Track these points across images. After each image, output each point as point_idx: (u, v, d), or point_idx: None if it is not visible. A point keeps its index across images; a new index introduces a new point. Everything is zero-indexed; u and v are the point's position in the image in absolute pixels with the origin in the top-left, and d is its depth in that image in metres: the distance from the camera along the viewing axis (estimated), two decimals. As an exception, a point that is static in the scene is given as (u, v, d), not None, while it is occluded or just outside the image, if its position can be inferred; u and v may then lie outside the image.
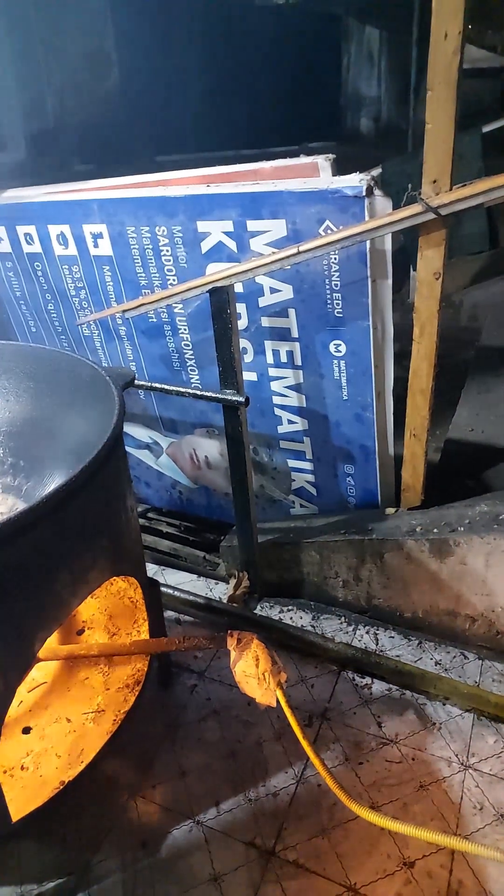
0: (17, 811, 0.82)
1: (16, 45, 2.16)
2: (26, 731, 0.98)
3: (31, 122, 2.26)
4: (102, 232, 1.33)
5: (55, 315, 1.53)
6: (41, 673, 1.06)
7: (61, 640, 1.11)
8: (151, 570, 1.58)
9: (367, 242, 1.09)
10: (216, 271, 1.14)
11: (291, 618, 1.40)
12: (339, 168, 1.11)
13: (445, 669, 1.25)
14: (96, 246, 1.35)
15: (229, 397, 1.21)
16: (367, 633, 1.35)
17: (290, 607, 1.43)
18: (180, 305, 1.34)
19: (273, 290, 1.24)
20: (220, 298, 1.14)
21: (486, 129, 2.28)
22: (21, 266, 1.49)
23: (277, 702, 0.94)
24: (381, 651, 1.30)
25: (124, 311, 1.26)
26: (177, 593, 1.41)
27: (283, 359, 1.32)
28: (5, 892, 0.92)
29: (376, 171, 1.32)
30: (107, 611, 1.16)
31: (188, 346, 1.40)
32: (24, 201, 1.39)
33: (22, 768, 0.91)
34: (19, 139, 2.24)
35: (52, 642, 1.11)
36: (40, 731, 0.98)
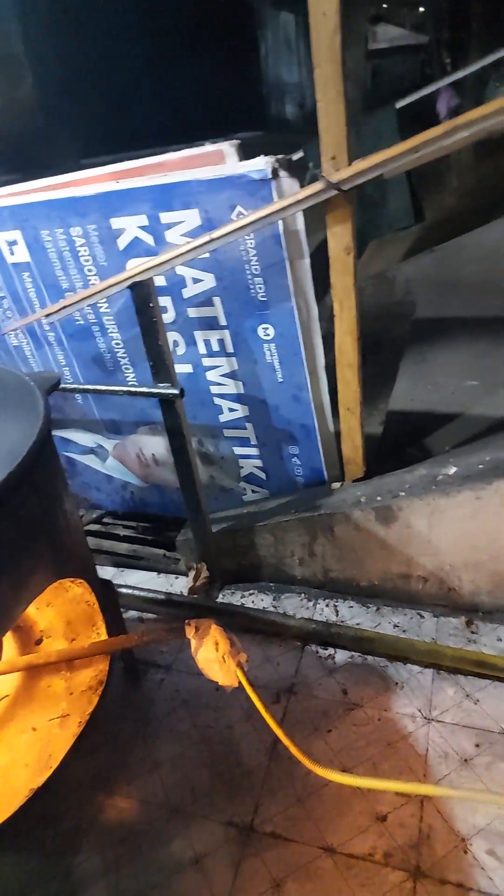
0: (-13, 824, 0.82)
1: None
2: (-8, 745, 0.97)
3: None
4: (17, 238, 1.31)
5: (-19, 328, 1.50)
6: (3, 686, 1.06)
7: (20, 652, 1.10)
8: (111, 572, 1.58)
9: (281, 224, 1.11)
10: (134, 266, 1.14)
11: (253, 601, 1.42)
12: (259, 154, 1.11)
13: (404, 631, 1.30)
14: (12, 253, 1.33)
15: (164, 391, 1.22)
16: (327, 606, 1.38)
17: (250, 591, 1.45)
18: (106, 305, 1.34)
19: (195, 280, 1.25)
20: (142, 293, 1.15)
21: (401, 104, 2.33)
22: None
23: (240, 682, 0.96)
24: (342, 622, 1.33)
25: (47, 315, 1.25)
26: (137, 592, 1.42)
27: (215, 347, 1.33)
28: (-12, 907, 0.92)
29: (293, 156, 1.34)
30: (64, 618, 1.16)
31: (119, 344, 1.40)
32: None
33: (-10, 782, 0.91)
34: None
35: (10, 654, 1.10)
36: (7, 743, 0.97)
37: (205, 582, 1.45)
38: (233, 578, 1.49)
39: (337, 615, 1.36)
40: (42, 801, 0.89)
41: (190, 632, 1.05)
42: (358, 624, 1.32)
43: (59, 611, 1.16)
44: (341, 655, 1.27)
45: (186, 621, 1.05)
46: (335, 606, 1.38)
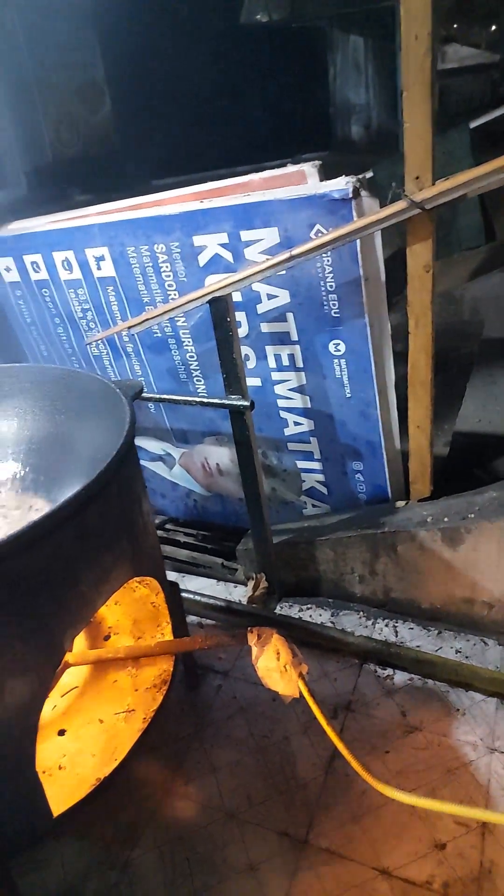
0: (57, 808, 0.85)
1: (10, 85, 2.25)
2: (61, 733, 1.01)
3: (29, 158, 2.35)
4: (104, 254, 1.38)
5: (65, 337, 1.59)
6: (73, 678, 1.10)
7: (90, 645, 1.15)
8: (172, 577, 1.62)
9: (358, 243, 1.13)
10: (214, 282, 1.19)
11: (311, 615, 1.43)
12: (332, 174, 1.15)
13: (466, 657, 1.27)
14: (99, 268, 1.41)
15: (234, 402, 1.25)
16: (387, 625, 1.37)
17: (308, 605, 1.46)
18: (183, 318, 1.39)
19: (270, 297, 1.29)
20: (220, 308, 1.19)
21: (475, 123, 2.33)
22: (30, 293, 1.55)
23: (301, 694, 0.97)
24: (401, 643, 1.32)
25: (129, 327, 1.31)
26: (197, 598, 1.45)
27: (285, 362, 1.36)
28: (52, 888, 0.95)
29: (367, 175, 1.37)
30: (131, 617, 1.20)
31: (193, 357, 1.45)
32: (28, 231, 1.45)
33: (59, 768, 0.94)
34: (19, 175, 2.33)
35: (81, 647, 1.15)
36: (75, 732, 1.01)
37: (263, 592, 1.47)
38: (291, 591, 1.50)
39: (396, 636, 1.34)
40: (106, 791, 0.92)
41: (252, 639, 1.06)
42: (418, 646, 1.30)
43: (127, 609, 1.20)
44: (400, 677, 1.26)
45: (248, 628, 1.07)
46: (395, 627, 1.37)
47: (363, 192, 1.10)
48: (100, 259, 1.40)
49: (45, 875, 0.96)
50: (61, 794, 0.89)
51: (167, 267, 1.34)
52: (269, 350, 1.37)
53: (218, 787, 1.09)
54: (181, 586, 1.54)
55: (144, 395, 1.37)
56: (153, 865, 0.98)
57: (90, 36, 2.38)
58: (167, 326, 1.43)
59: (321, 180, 1.16)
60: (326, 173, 1.17)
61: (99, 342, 1.53)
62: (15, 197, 2.25)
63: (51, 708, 1.03)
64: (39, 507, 1.10)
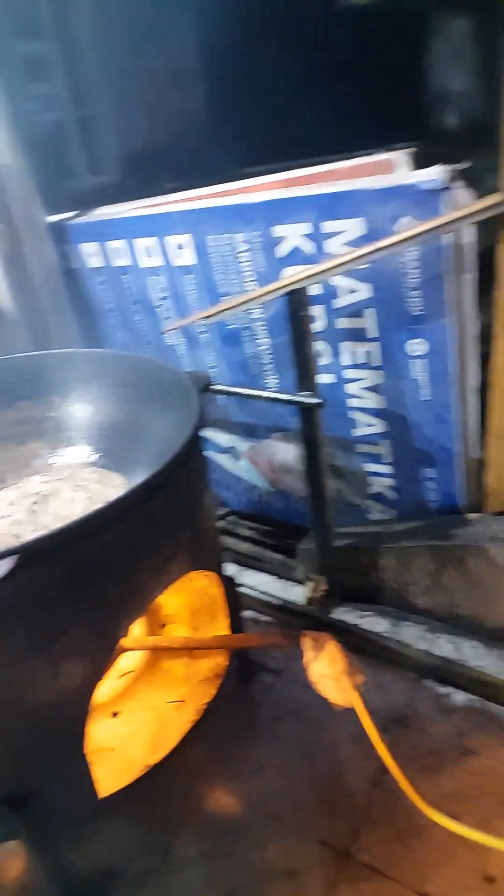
0: (105, 789, 0.87)
1: (111, 73, 2.29)
2: (115, 715, 1.03)
3: (123, 145, 2.39)
4: (185, 242, 1.38)
5: (142, 325, 1.61)
6: (129, 662, 1.12)
7: (147, 632, 1.16)
8: (231, 570, 1.62)
9: (448, 237, 1.07)
10: (292, 274, 1.16)
11: (369, 623, 1.39)
12: (423, 164, 1.10)
13: (533, 682, 1.20)
14: (179, 256, 1.41)
15: (304, 399, 1.22)
16: (449, 642, 1.31)
17: (367, 612, 1.42)
18: (258, 310, 1.37)
19: (350, 291, 1.25)
20: (297, 301, 1.16)
21: None
22: (111, 279, 1.58)
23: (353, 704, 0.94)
24: (463, 661, 1.26)
25: (206, 317, 1.30)
26: (254, 593, 1.44)
27: (360, 359, 1.32)
28: (97, 864, 0.97)
29: (461, 165, 1.30)
30: (188, 607, 1.20)
31: (266, 350, 1.43)
32: (113, 217, 1.48)
33: (111, 750, 0.96)
34: (113, 162, 2.38)
35: (138, 633, 1.16)
36: (128, 716, 1.03)
37: (322, 595, 1.44)
38: (350, 596, 1.46)
39: (458, 653, 1.28)
40: (153, 778, 0.93)
41: (306, 643, 1.04)
42: (481, 667, 1.24)
43: (185, 599, 1.20)
44: (459, 696, 1.20)
45: (303, 631, 1.05)
46: (457, 644, 1.31)
47: (456, 184, 1.04)
48: (180, 247, 1.40)
49: (90, 850, 0.98)
50: (110, 775, 0.91)
51: (246, 257, 1.32)
52: (344, 346, 1.33)
53: (263, 787, 1.08)
54: (240, 580, 1.54)
55: (213, 386, 1.37)
56: (193, 856, 0.98)
57: (187, 22, 2.38)
58: (242, 318, 1.41)
59: (412, 170, 1.11)
60: (417, 163, 1.12)
61: (175, 331, 1.54)
62: (107, 183, 2.30)
63: (106, 690, 1.06)
64: (87, 477, 1.12)
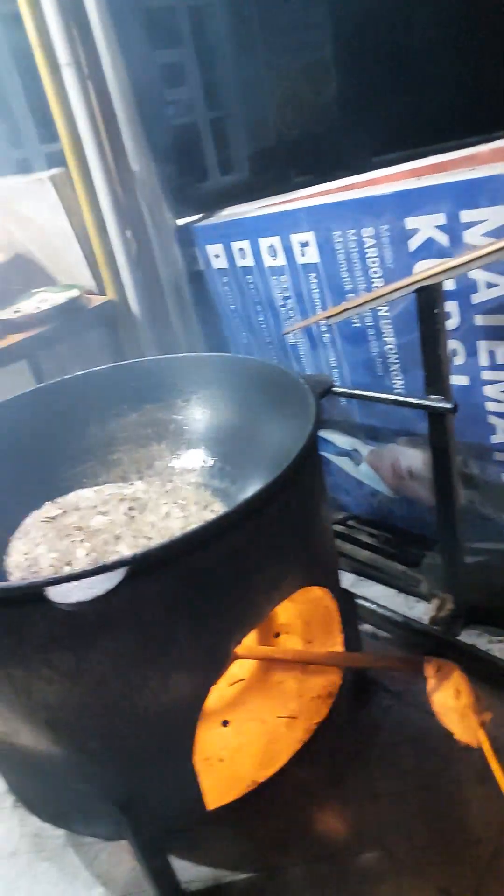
0: (212, 800, 0.86)
1: (244, 71, 2.30)
2: (225, 724, 1.03)
3: (254, 143, 2.39)
4: (309, 240, 1.34)
5: (265, 325, 1.59)
6: (241, 670, 1.11)
7: (259, 641, 1.15)
8: (349, 579, 1.56)
9: None
10: (424, 269, 1.07)
11: (501, 650, 1.26)
12: None
13: None
14: (303, 254, 1.37)
15: (434, 404, 1.13)
16: None
17: (500, 638, 1.29)
18: (385, 308, 1.29)
19: (490, 285, 1.13)
20: (429, 297, 1.07)
21: None
22: (235, 280, 1.58)
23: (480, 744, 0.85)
24: None
25: (328, 317, 1.25)
26: (373, 607, 1.36)
27: (500, 360, 1.20)
28: (203, 873, 0.97)
29: None
30: (303, 617, 1.17)
31: (392, 350, 1.35)
32: (238, 218, 1.47)
33: (220, 760, 0.95)
34: (244, 160, 2.39)
35: (250, 641, 1.15)
36: (238, 726, 1.02)
37: (448, 614, 1.33)
38: (481, 618, 1.34)
39: None
40: (262, 794, 0.91)
41: (430, 670, 0.96)
42: None
43: (300, 609, 1.17)
44: None
45: (426, 658, 0.97)
46: None
47: None
48: (304, 245, 1.36)
49: (196, 858, 0.98)
50: (218, 786, 0.90)
51: (374, 252, 1.25)
52: (482, 345, 1.21)
53: (377, 817, 1.02)
54: (357, 591, 1.48)
55: (335, 389, 1.31)
56: (301, 880, 0.95)
57: (321, 14, 2.33)
58: (367, 316, 1.34)
59: None
60: None
61: (297, 331, 1.50)
62: (237, 181, 2.32)
63: (217, 696, 1.05)
64: (225, 496, 1.11)
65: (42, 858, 1.03)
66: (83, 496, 1.16)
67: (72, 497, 1.16)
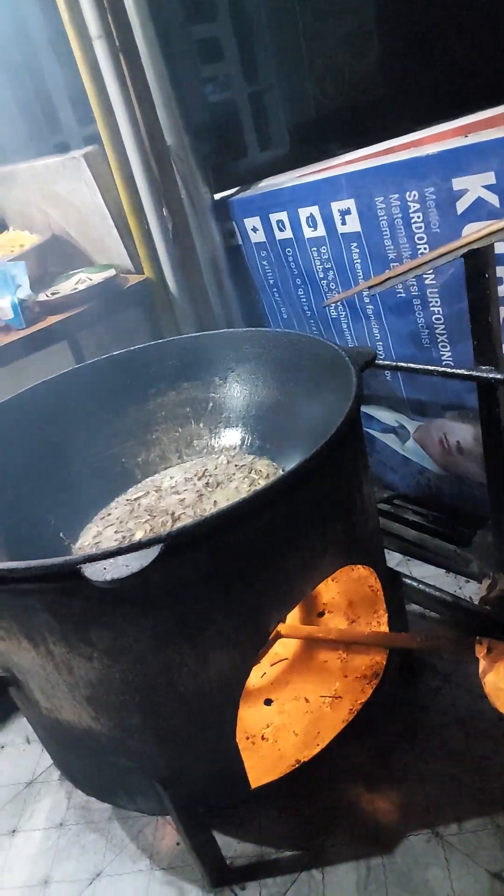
0: (255, 779, 0.86)
1: (282, 43, 2.23)
2: (268, 702, 1.02)
3: (292, 115, 2.32)
4: (350, 207, 1.29)
5: (304, 299, 1.55)
6: (284, 649, 1.10)
7: (302, 620, 1.13)
8: (396, 559, 1.52)
9: None
10: (473, 232, 1.01)
11: None
12: None
13: None
14: (344, 223, 1.32)
15: (485, 374, 1.07)
16: None
17: None
18: (431, 275, 1.23)
19: (544, 248, 1.06)
20: (477, 262, 1.01)
21: None
22: (273, 254, 1.54)
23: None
24: None
25: (371, 287, 1.20)
26: (421, 587, 1.32)
27: None
28: (247, 850, 0.97)
29: None
30: (347, 596, 1.14)
31: (439, 319, 1.29)
32: (275, 188, 1.42)
33: (262, 738, 0.95)
34: (283, 134, 2.33)
35: (293, 620, 1.13)
36: (280, 705, 1.01)
37: (500, 594, 1.28)
38: (536, 597, 1.28)
39: None
40: (306, 773, 0.90)
41: (480, 651, 0.93)
42: None
43: (343, 588, 1.15)
44: None
45: (477, 639, 0.93)
46: None
47: None
48: (345, 213, 1.30)
49: (241, 835, 0.99)
50: (261, 765, 0.90)
51: (418, 217, 1.19)
52: (536, 312, 1.14)
53: (425, 799, 0.99)
54: (405, 570, 1.44)
55: (378, 362, 1.26)
56: (347, 861, 0.94)
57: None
58: (413, 285, 1.28)
59: None
60: None
61: (338, 304, 1.45)
62: (276, 156, 2.26)
63: (259, 675, 1.04)
64: (262, 469, 1.09)
65: (90, 830, 1.05)
66: (168, 475, 1.18)
67: (158, 478, 1.18)
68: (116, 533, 1.04)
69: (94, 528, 1.09)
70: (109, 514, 1.11)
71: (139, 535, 1.03)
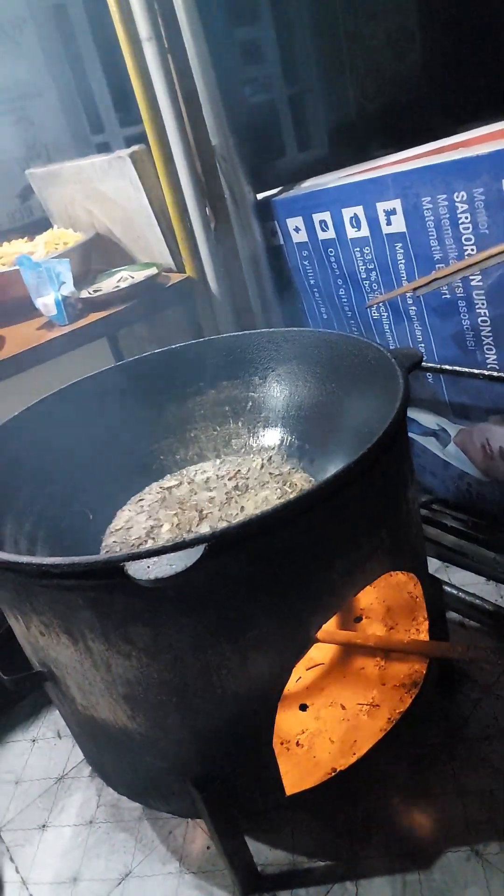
0: (290, 785, 0.84)
1: (322, 45, 2.22)
2: (303, 708, 1.00)
3: (333, 117, 2.30)
4: (395, 207, 1.26)
5: (345, 300, 1.53)
6: (320, 654, 1.08)
7: (339, 625, 1.11)
8: (434, 565, 1.49)
9: None
10: (525, 232, 0.98)
11: None
12: None
13: None
14: (389, 223, 1.30)
15: (535, 379, 1.04)
16: None
17: None
18: (478, 277, 1.20)
19: None
20: (529, 264, 0.98)
21: None
22: (315, 254, 1.52)
23: None
24: None
25: (415, 288, 1.18)
26: (461, 594, 1.29)
27: None
28: (279, 857, 0.96)
29: None
30: (385, 602, 1.12)
31: (485, 321, 1.25)
32: (319, 188, 1.41)
33: (297, 745, 0.93)
34: (322, 136, 2.31)
35: (330, 626, 1.11)
36: (316, 711, 0.99)
37: (544, 605, 1.24)
38: None
39: None
40: (342, 782, 0.88)
41: (525, 664, 0.89)
42: None
43: (382, 594, 1.12)
44: None
45: (522, 650, 0.90)
46: None
47: None
48: (390, 213, 1.28)
49: (273, 842, 0.97)
50: (296, 771, 0.88)
51: (466, 218, 1.16)
52: None
53: (464, 815, 0.97)
54: (443, 577, 1.41)
55: (423, 364, 1.24)
56: (382, 874, 0.91)
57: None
58: (458, 287, 1.25)
59: None
60: None
61: (380, 305, 1.43)
62: (316, 158, 2.25)
63: (295, 680, 1.03)
64: (297, 483, 1.08)
65: (120, 829, 1.05)
66: (203, 468, 1.18)
67: (192, 469, 1.19)
68: (146, 522, 1.05)
69: (127, 511, 1.10)
70: (142, 500, 1.12)
71: (166, 528, 1.03)
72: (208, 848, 0.98)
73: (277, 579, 0.69)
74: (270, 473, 1.11)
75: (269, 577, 0.69)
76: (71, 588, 0.65)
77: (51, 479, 1.03)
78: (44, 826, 1.10)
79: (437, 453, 1.60)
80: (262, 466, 1.13)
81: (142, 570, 0.57)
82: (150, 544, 0.99)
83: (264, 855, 0.96)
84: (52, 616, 0.70)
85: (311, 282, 1.59)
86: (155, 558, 0.58)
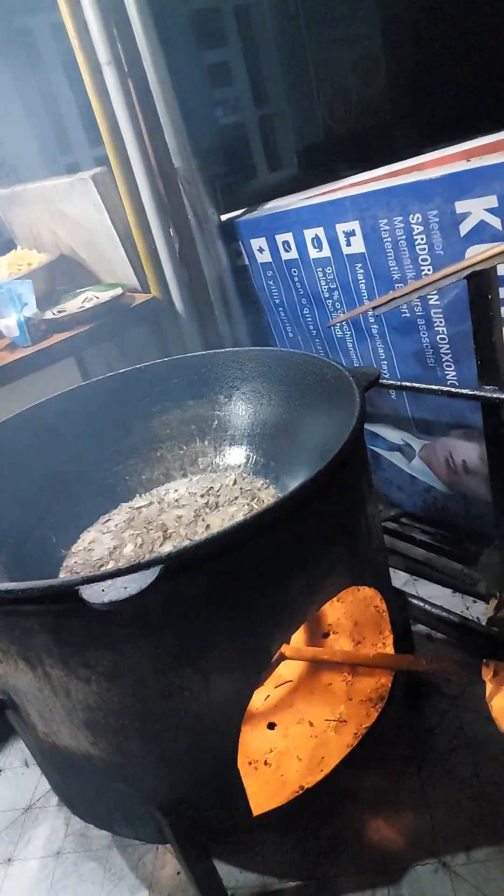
0: (257, 805, 0.84)
1: (290, 68, 2.27)
2: (271, 726, 1.00)
3: (301, 138, 2.36)
4: (355, 229, 1.30)
5: (310, 318, 1.56)
6: (287, 671, 1.08)
7: (307, 642, 1.11)
8: (402, 578, 1.50)
9: None
10: (475, 254, 1.02)
11: None
12: None
13: None
14: (349, 244, 1.33)
15: (489, 394, 1.07)
16: None
17: None
18: (435, 296, 1.24)
19: (548, 268, 1.06)
20: (481, 283, 1.01)
21: None
22: (280, 274, 1.55)
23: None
24: None
25: (374, 307, 1.20)
26: (428, 607, 1.31)
27: None
28: (250, 880, 0.95)
29: None
30: (352, 617, 1.13)
31: (444, 339, 1.29)
32: (281, 210, 1.44)
33: (265, 763, 0.93)
34: (291, 156, 2.36)
35: (298, 642, 1.12)
36: (284, 729, 0.99)
37: (508, 615, 1.26)
38: (544, 619, 1.26)
39: None
40: (309, 799, 0.88)
41: (487, 673, 0.91)
42: None
43: (349, 609, 1.13)
44: None
45: (484, 661, 0.91)
46: None
47: None
48: (349, 234, 1.31)
49: (243, 863, 0.96)
50: (264, 791, 0.88)
51: (422, 239, 1.20)
52: (540, 332, 1.14)
53: (431, 826, 0.97)
54: (411, 590, 1.43)
55: (383, 381, 1.27)
56: (352, 891, 0.91)
57: (370, 5, 2.27)
58: (417, 306, 1.28)
59: None
60: None
61: (343, 323, 1.46)
62: (285, 178, 2.29)
63: (263, 698, 1.03)
64: (265, 499, 1.09)
65: (89, 858, 1.03)
66: (173, 488, 1.18)
67: (163, 489, 1.18)
68: (109, 543, 1.05)
69: (93, 532, 1.09)
70: (109, 520, 1.11)
71: (129, 548, 1.03)
72: (178, 874, 0.97)
73: (237, 598, 0.70)
74: (241, 489, 1.11)
75: (229, 596, 0.69)
76: (26, 613, 0.65)
77: (13, 503, 1.02)
78: (9, 860, 1.07)
79: (403, 468, 1.62)
80: (234, 482, 1.14)
81: (97, 594, 0.57)
82: (111, 565, 0.99)
83: (235, 877, 0.95)
84: (8, 642, 0.69)
85: (277, 301, 1.61)
86: (110, 581, 0.58)
